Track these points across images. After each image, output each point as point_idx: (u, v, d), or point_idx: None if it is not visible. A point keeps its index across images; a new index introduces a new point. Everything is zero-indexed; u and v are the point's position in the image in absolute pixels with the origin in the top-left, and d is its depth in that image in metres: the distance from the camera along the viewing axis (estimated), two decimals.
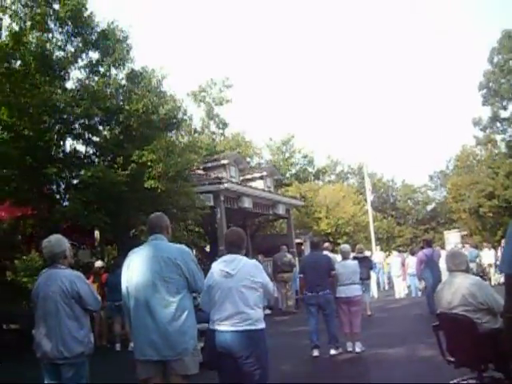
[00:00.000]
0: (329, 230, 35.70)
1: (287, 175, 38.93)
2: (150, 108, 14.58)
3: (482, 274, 21.90)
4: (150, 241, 4.76)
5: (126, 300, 4.69)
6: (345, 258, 10.07)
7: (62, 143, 14.73)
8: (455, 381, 5.33)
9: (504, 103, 43.00)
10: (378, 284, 24.12)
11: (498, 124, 44.17)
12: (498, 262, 22.71)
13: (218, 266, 4.81)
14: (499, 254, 23.43)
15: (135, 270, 4.60)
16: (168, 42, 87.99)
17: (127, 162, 13.89)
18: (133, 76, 15.51)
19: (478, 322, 4.95)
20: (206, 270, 4.92)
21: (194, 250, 21.96)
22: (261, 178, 24.38)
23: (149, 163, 13.74)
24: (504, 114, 43.63)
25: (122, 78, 15.57)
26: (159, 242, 4.70)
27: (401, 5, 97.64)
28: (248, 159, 33.49)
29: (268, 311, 15.73)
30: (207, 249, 25.08)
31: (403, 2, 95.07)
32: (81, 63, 14.90)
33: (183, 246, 4.81)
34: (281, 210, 23.69)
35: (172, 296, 4.48)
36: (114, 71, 15.33)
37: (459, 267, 5.44)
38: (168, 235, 4.84)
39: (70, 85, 14.79)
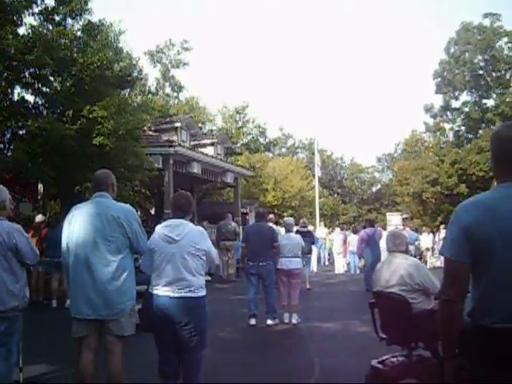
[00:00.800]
0: (275, 202, 35.91)
1: (238, 144, 38.77)
2: (104, 63, 14.22)
3: (420, 256, 22.57)
4: (94, 198, 4.66)
5: (65, 256, 4.61)
6: (288, 230, 10.16)
7: (9, 91, 14.21)
8: (385, 357, 5.47)
9: (456, 93, 43.85)
10: (319, 259, 24.50)
11: (449, 113, 45.08)
12: (435, 246, 23.46)
13: (162, 230, 4.71)
14: (437, 238, 24.16)
15: (77, 226, 4.51)
16: None
17: (77, 116, 13.57)
18: (89, 28, 15.04)
19: (412, 302, 5.11)
20: (150, 232, 4.86)
21: (139, 212, 21.76)
22: (212, 144, 24.23)
23: (99, 119, 13.43)
24: (455, 104, 44.57)
25: (78, 30, 15.09)
26: (103, 199, 4.61)
27: None
28: (200, 125, 33.16)
29: (208, 278, 15.77)
30: (152, 211, 24.90)
31: None
32: (35, 9, 14.35)
33: (128, 206, 4.74)
34: (229, 179, 23.67)
35: (113, 255, 4.42)
36: (69, 21, 14.84)
37: (399, 248, 5.58)
38: (113, 194, 4.74)
39: (22, 31, 14.25)
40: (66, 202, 14.76)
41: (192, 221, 4.95)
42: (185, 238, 4.59)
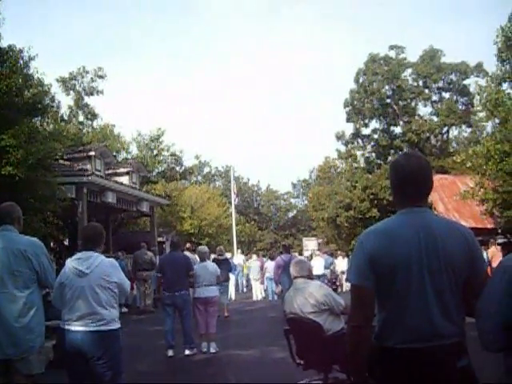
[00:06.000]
0: (192, 231, 35.73)
1: (154, 173, 38.41)
2: (13, 89, 13.76)
3: (335, 280, 23.05)
4: None
5: None
6: (202, 259, 10.15)
7: None
8: (302, 382, 5.56)
9: (366, 121, 45.61)
10: (237, 286, 24.53)
11: (359, 140, 46.79)
12: None
13: (71, 263, 4.59)
14: None
15: None
16: (40, 25, 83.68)
17: None
18: None
19: (323, 324, 5.24)
20: (63, 263, 4.73)
21: (52, 243, 21.04)
22: (127, 173, 23.84)
23: (8, 148, 12.95)
24: (365, 131, 46.36)
25: None
26: (8, 233, 4.45)
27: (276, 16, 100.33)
28: (115, 153, 32.60)
29: (125, 309, 15.44)
30: (66, 242, 24.13)
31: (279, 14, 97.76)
32: None
33: (35, 239, 4.60)
34: (145, 208, 23.36)
35: (20, 291, 4.28)
36: None
37: (301, 273, 5.79)
38: (19, 227, 4.59)
39: None
40: None
41: (107, 251, 4.87)
42: (95, 270, 4.49)
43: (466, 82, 43.14)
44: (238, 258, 26.02)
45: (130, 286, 5.03)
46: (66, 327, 4.43)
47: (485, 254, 15.37)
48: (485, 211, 23.66)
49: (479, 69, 41.49)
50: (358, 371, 2.64)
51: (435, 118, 43.64)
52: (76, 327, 4.40)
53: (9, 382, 4.30)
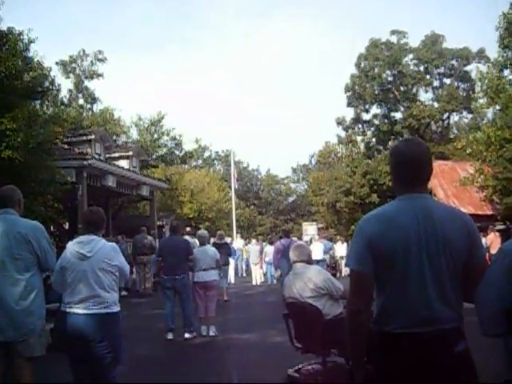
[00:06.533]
0: (191, 215, 35.77)
1: (154, 156, 38.40)
2: (13, 73, 13.70)
3: (335, 265, 23.14)
4: None
5: None
6: (202, 243, 10.18)
7: None
8: (300, 365, 5.60)
9: (366, 106, 45.48)
10: (237, 270, 24.63)
11: (360, 125, 46.69)
12: None
13: (73, 247, 4.61)
14: None
15: None
16: (40, 7, 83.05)
17: None
18: None
19: (321, 308, 5.27)
20: (63, 247, 4.75)
21: (52, 227, 21.07)
22: (127, 157, 23.85)
23: (8, 132, 12.93)
24: (366, 117, 46.26)
25: None
26: (9, 216, 4.45)
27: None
28: (115, 137, 32.59)
29: (125, 293, 15.51)
30: (66, 226, 24.17)
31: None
32: None
33: (35, 222, 4.61)
34: (145, 192, 23.38)
35: (20, 274, 4.29)
36: None
37: (301, 257, 5.80)
38: (20, 210, 4.59)
39: None
40: None
41: (107, 235, 4.89)
42: (97, 254, 4.52)
43: (467, 68, 43.00)
44: (237, 243, 26.11)
45: (129, 269, 5.06)
46: (67, 310, 4.46)
47: (483, 241, 15.41)
48: (484, 198, 23.70)
49: (481, 55, 41.29)
50: (357, 355, 2.65)
51: (436, 104, 43.51)
52: (77, 310, 4.43)
53: (10, 365, 4.33)
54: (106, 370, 4.51)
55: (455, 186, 25.53)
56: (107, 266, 4.54)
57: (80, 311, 4.42)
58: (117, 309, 4.59)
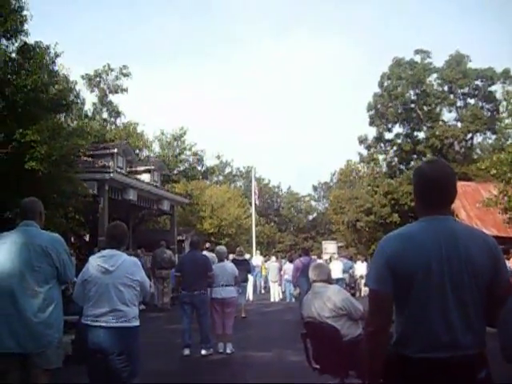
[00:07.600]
0: (211, 230, 35.83)
1: (175, 171, 38.59)
2: (39, 85, 13.89)
3: (354, 284, 22.93)
4: (20, 227, 4.50)
5: None
6: (220, 259, 10.15)
7: None
8: None
9: (389, 125, 45.30)
10: (255, 287, 24.53)
11: (382, 144, 46.47)
12: None
13: (95, 261, 4.68)
14: None
15: (1, 256, 4.33)
16: (68, 20, 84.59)
17: (9, 139, 13.16)
18: (24, 50, 14.69)
19: (341, 329, 5.21)
20: (83, 259, 4.77)
21: (73, 238, 21.24)
22: (148, 171, 24.04)
23: (32, 144, 13.09)
24: (388, 136, 46.03)
25: (13, 51, 14.73)
26: (30, 228, 4.46)
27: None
28: (137, 151, 32.84)
29: (143, 306, 15.51)
30: (87, 238, 24.34)
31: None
32: None
33: (55, 235, 4.62)
34: (165, 206, 23.49)
35: (40, 286, 4.29)
36: (4, 42, 14.45)
37: (320, 277, 5.76)
38: (41, 222, 4.61)
39: None
40: None
41: (127, 248, 4.92)
42: (119, 268, 4.59)
43: (492, 88, 42.67)
44: (256, 259, 26.02)
45: (150, 285, 5.06)
46: (89, 323, 4.51)
47: (507, 264, 15.16)
48: (508, 220, 23.34)
49: (506, 75, 40.96)
50: (374, 377, 2.60)
51: (459, 124, 43.18)
52: (98, 323, 4.48)
53: (26, 376, 4.33)
54: (124, 382, 4.53)
55: (478, 208, 25.19)
56: (129, 280, 4.60)
57: (101, 324, 4.47)
58: (137, 323, 4.63)
